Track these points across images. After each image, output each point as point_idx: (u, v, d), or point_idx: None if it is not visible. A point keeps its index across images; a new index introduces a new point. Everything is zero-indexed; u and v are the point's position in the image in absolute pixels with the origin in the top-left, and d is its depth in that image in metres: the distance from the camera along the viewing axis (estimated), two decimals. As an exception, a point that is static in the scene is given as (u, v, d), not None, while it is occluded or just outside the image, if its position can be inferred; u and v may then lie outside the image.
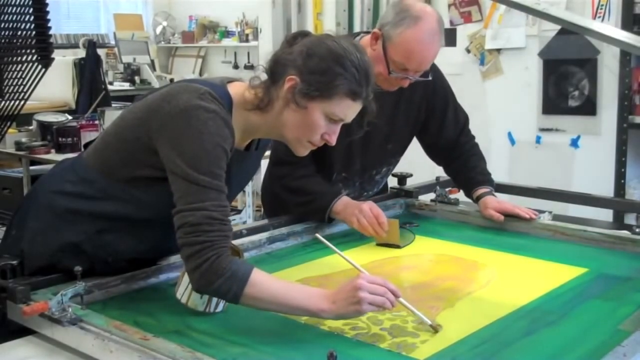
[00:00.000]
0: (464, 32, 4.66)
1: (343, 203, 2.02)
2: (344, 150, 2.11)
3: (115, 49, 7.46)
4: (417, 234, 2.07)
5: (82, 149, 1.86)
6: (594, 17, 4.06)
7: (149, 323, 1.38)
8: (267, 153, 2.02)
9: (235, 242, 1.70)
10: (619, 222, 3.71)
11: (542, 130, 4.42)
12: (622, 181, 3.88)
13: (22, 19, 2.56)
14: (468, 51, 4.66)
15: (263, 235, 1.94)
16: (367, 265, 1.73)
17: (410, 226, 2.15)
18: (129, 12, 8.16)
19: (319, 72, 1.43)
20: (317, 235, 1.61)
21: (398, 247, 1.96)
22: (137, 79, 7.08)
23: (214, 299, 1.43)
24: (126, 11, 8.16)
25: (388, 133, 2.19)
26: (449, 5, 4.68)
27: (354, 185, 2.25)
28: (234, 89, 1.51)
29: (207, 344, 1.29)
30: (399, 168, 2.42)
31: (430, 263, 1.87)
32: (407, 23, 1.92)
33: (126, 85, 7.00)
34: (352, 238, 2.01)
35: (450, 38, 4.58)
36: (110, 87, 6.03)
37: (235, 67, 7.78)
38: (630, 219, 3.79)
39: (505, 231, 2.12)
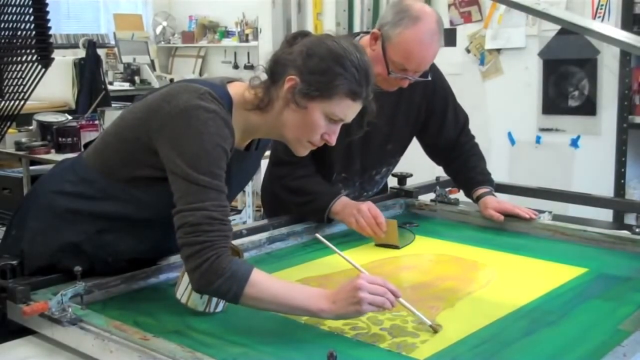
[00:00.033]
0: (464, 32, 4.66)
1: (342, 203, 2.02)
2: (344, 151, 2.11)
3: (115, 49, 7.46)
4: (417, 234, 2.07)
5: (82, 149, 1.86)
6: (594, 17, 4.06)
7: (149, 323, 1.38)
8: (267, 153, 2.02)
9: (235, 242, 1.70)
10: (619, 222, 3.71)
11: (542, 130, 4.42)
12: (622, 181, 3.89)
13: (22, 19, 2.56)
14: (468, 51, 4.66)
15: (263, 235, 1.94)
16: (367, 266, 1.73)
17: (410, 226, 2.15)
18: (129, 12, 8.16)
19: (319, 72, 1.43)
20: (317, 235, 1.61)
21: (397, 247, 1.96)
22: (137, 79, 7.08)
23: (214, 299, 1.43)
24: (126, 11, 8.16)
25: (388, 133, 2.19)
26: (449, 5, 4.68)
27: (354, 185, 2.25)
28: (234, 89, 1.51)
29: (207, 344, 1.29)
30: (399, 168, 2.42)
31: (430, 263, 1.87)
32: (406, 23, 1.91)
33: (126, 85, 7.00)
34: (352, 238, 2.01)
35: (450, 38, 4.59)
36: (110, 87, 6.03)
37: (235, 67, 7.77)
38: (630, 219, 3.79)
39: (505, 231, 2.12)
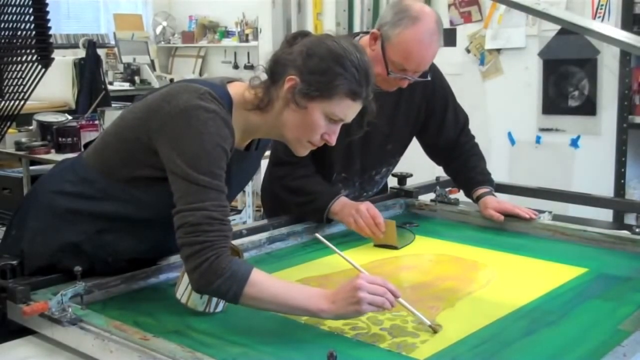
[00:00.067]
0: (463, 32, 4.66)
1: (341, 204, 2.02)
2: (344, 151, 2.11)
3: (115, 49, 7.46)
4: (417, 234, 2.07)
5: (82, 149, 1.86)
6: (594, 17, 4.06)
7: (149, 323, 1.38)
8: (267, 153, 2.02)
9: (235, 242, 1.70)
10: (619, 222, 3.71)
11: (542, 130, 4.42)
12: (622, 181, 3.89)
13: (22, 19, 2.56)
14: (468, 51, 4.66)
15: (263, 235, 1.94)
16: (367, 266, 1.73)
17: (410, 226, 2.15)
18: (129, 12, 8.16)
19: (319, 72, 1.43)
20: (317, 235, 1.61)
21: (396, 248, 1.95)
22: (137, 79, 7.08)
23: (214, 299, 1.43)
24: (126, 11, 8.16)
25: (388, 133, 2.19)
26: (449, 5, 4.68)
27: (354, 185, 2.25)
28: (233, 89, 1.51)
29: (207, 344, 1.29)
30: (399, 168, 2.42)
31: (430, 263, 1.87)
32: (406, 23, 1.91)
33: (126, 85, 7.00)
34: (352, 238, 2.00)
35: (450, 38, 4.59)
36: (110, 87, 6.03)
37: (235, 67, 7.77)
38: (630, 219, 3.79)
39: (505, 231, 2.12)
